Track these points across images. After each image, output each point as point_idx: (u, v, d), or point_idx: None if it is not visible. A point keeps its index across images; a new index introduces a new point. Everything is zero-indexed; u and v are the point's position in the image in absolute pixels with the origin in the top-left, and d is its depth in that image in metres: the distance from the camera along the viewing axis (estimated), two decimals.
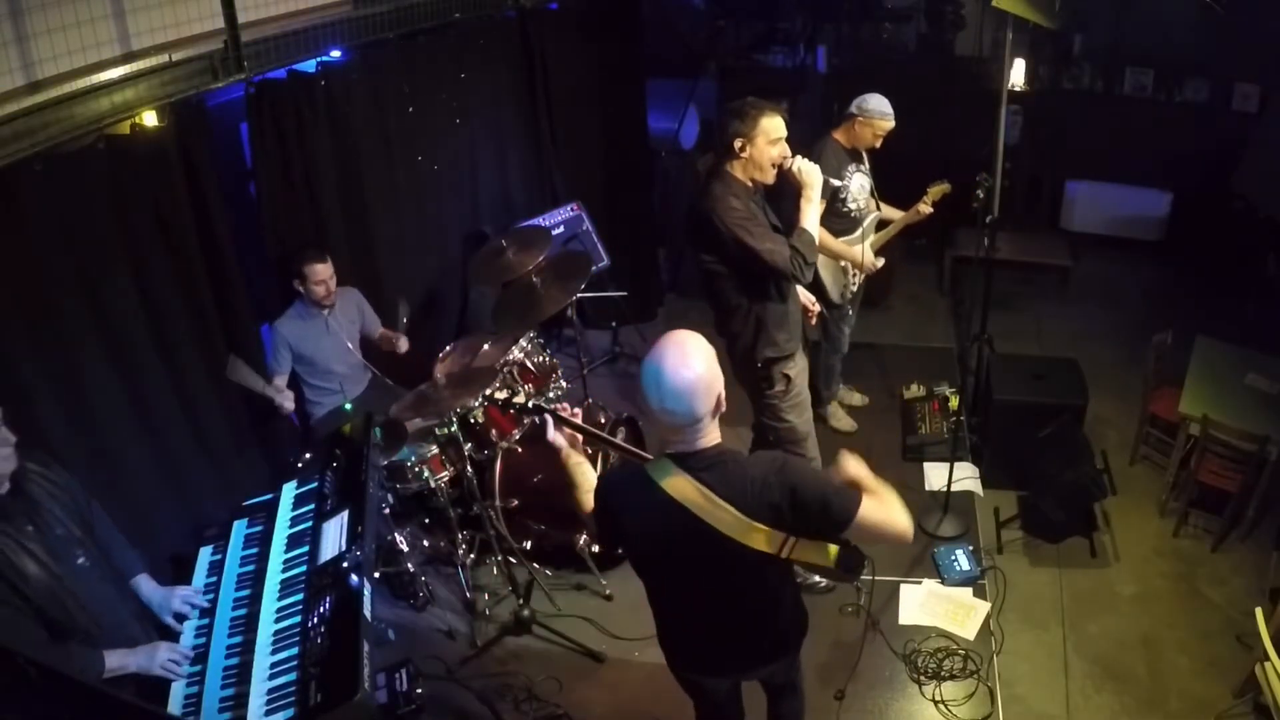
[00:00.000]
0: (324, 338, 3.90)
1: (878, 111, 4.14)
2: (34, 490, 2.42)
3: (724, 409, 2.14)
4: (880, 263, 4.49)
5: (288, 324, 3.87)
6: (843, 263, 4.45)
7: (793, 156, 3.34)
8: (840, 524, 2.10)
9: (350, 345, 3.99)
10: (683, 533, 2.13)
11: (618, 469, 2.33)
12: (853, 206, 4.30)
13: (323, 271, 3.79)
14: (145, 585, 2.73)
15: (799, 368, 3.67)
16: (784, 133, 3.30)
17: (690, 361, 2.03)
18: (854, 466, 2.19)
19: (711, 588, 2.31)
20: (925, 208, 4.41)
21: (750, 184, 3.37)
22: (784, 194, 3.48)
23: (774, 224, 3.42)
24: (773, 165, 3.31)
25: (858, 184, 4.27)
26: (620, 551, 2.40)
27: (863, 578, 2.34)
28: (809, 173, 3.34)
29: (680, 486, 2.12)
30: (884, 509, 2.10)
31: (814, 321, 3.93)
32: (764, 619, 2.43)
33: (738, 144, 3.27)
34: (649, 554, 2.35)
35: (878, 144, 4.24)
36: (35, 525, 2.36)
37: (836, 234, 4.25)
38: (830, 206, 4.17)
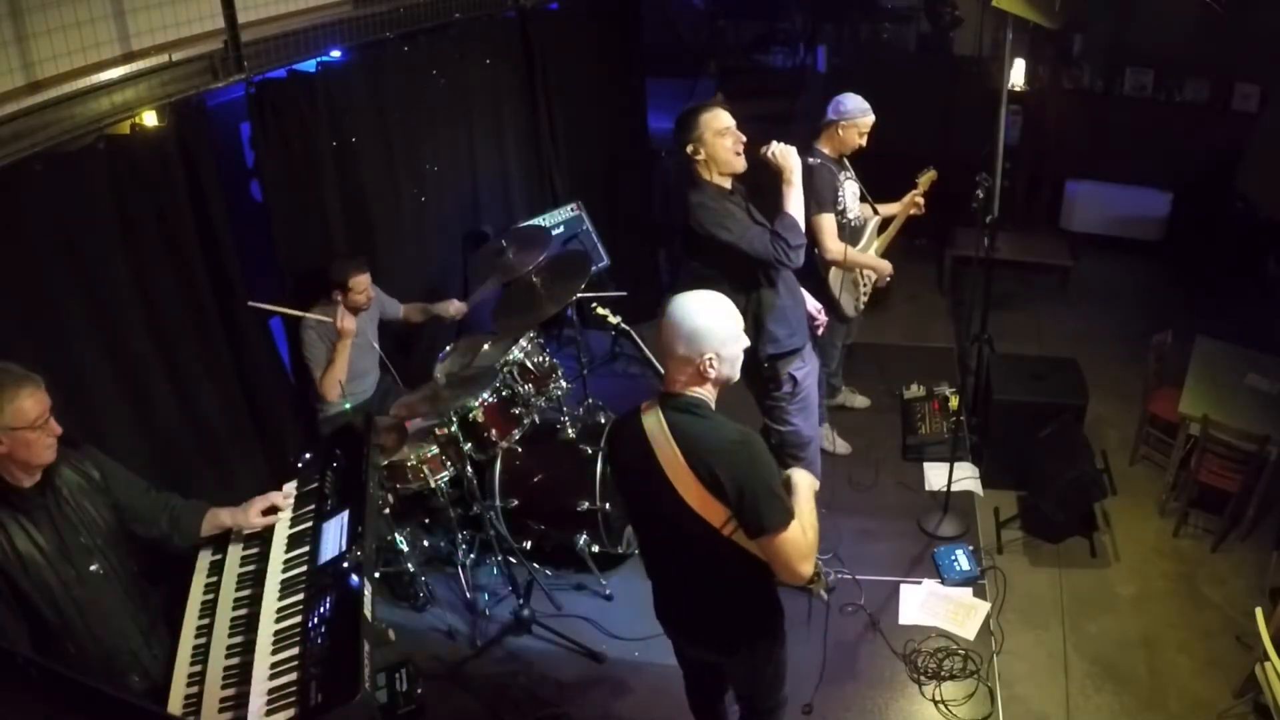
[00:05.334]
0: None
1: (858, 110, 4.11)
2: (64, 487, 2.43)
3: (716, 378, 2.22)
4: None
5: (320, 325, 3.83)
6: (853, 275, 4.42)
7: (767, 143, 3.33)
8: (756, 530, 2.13)
9: (374, 343, 3.99)
10: (640, 466, 2.22)
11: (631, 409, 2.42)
12: (851, 216, 4.26)
13: (366, 281, 3.85)
14: (223, 515, 2.82)
15: (807, 369, 3.66)
16: (729, 122, 3.29)
17: (696, 311, 2.20)
18: (803, 488, 2.29)
19: (663, 535, 2.35)
20: (919, 197, 4.41)
21: (726, 186, 3.36)
22: (764, 190, 3.46)
23: (759, 220, 3.41)
24: (735, 154, 3.30)
25: (850, 192, 4.25)
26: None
27: (822, 593, 2.40)
28: (785, 155, 3.32)
29: (650, 420, 2.23)
30: (800, 547, 2.16)
31: (820, 332, 3.91)
32: (710, 596, 2.40)
33: (690, 149, 3.30)
34: (621, 485, 2.46)
35: (863, 143, 4.21)
36: (54, 523, 2.37)
37: None
38: None
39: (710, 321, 2.20)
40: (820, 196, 4.07)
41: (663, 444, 2.18)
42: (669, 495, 2.17)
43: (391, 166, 4.27)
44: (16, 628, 2.28)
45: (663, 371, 2.31)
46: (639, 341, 2.69)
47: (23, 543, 2.30)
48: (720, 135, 3.28)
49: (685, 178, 3.42)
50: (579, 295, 4.26)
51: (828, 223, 4.08)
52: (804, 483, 2.32)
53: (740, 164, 3.34)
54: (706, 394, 2.25)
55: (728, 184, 3.36)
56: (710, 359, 2.19)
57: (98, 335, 2.96)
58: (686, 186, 3.40)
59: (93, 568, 2.43)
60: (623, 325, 2.82)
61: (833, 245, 4.09)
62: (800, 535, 2.16)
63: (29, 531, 2.32)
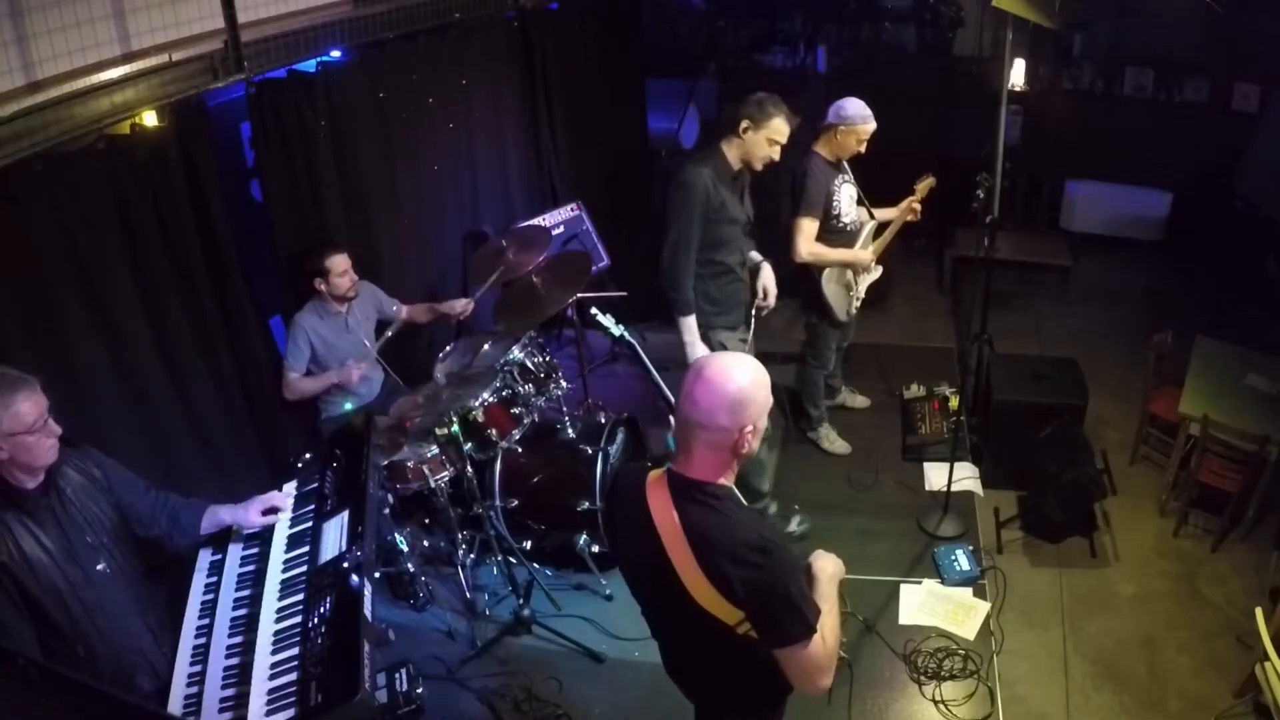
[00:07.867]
0: (344, 336, 3.90)
1: (859, 116, 4.08)
2: (67, 487, 2.42)
3: (746, 453, 1.96)
4: (879, 272, 4.50)
5: (308, 318, 3.83)
6: (847, 278, 4.43)
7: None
8: (770, 642, 1.93)
9: (367, 343, 3.99)
10: (644, 550, 2.00)
11: (630, 467, 2.27)
12: (846, 220, 4.27)
13: (343, 262, 3.79)
14: (222, 513, 2.83)
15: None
16: (784, 140, 3.57)
17: (738, 372, 1.89)
18: (825, 580, 2.06)
19: (668, 616, 2.19)
20: (916, 204, 4.41)
21: (735, 169, 3.61)
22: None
23: (748, 215, 3.64)
24: (762, 164, 3.62)
25: (847, 195, 4.25)
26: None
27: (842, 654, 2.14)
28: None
29: (659, 504, 1.98)
30: (818, 660, 1.92)
31: (755, 312, 4.05)
32: (713, 674, 2.24)
33: (745, 125, 3.56)
34: (619, 555, 2.28)
35: (862, 149, 4.18)
36: (60, 524, 2.37)
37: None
38: (825, 224, 4.19)
39: (755, 382, 1.90)
40: (810, 199, 4.10)
41: (673, 538, 1.94)
42: (677, 588, 1.95)
43: (391, 167, 4.27)
44: (23, 631, 2.27)
45: (677, 449, 1.99)
46: (641, 352, 2.61)
47: (29, 545, 2.29)
48: (774, 144, 3.59)
49: (705, 146, 3.72)
50: (579, 295, 4.26)
51: (807, 225, 4.13)
52: (828, 573, 2.07)
53: (759, 167, 3.71)
54: (727, 479, 1.98)
55: (734, 168, 3.64)
56: (749, 431, 1.91)
57: (98, 335, 2.96)
58: (704, 150, 3.71)
59: (100, 567, 2.43)
60: (626, 336, 2.74)
61: (803, 248, 4.16)
62: (820, 647, 1.91)
63: (35, 534, 2.31)
